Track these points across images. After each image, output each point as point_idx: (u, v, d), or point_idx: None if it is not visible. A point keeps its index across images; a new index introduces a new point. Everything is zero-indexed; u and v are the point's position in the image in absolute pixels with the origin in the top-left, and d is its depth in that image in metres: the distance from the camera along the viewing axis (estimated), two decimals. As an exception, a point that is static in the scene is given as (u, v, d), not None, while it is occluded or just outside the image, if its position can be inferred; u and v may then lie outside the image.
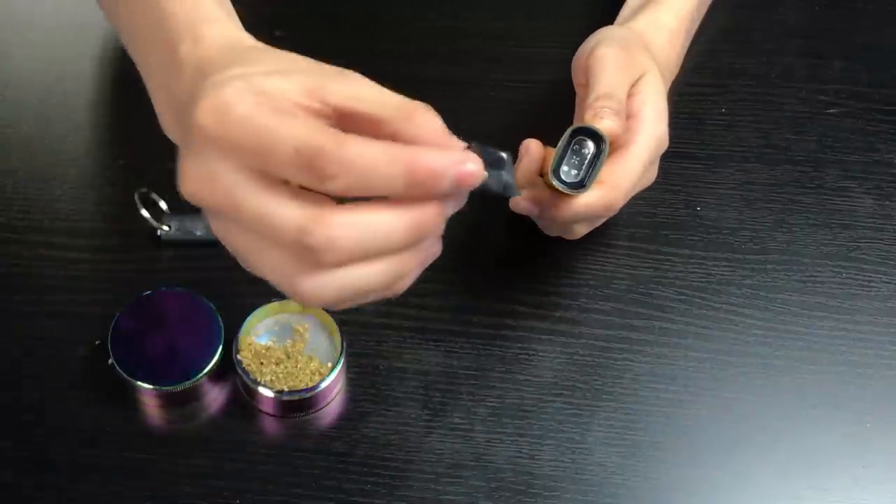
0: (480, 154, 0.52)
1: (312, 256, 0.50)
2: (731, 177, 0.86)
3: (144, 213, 0.79)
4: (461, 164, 0.50)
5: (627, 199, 0.73)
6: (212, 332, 0.75)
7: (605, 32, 0.78)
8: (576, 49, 0.79)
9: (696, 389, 0.77)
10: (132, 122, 0.85)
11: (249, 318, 0.76)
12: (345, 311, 0.78)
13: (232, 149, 0.50)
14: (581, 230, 0.78)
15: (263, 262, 0.52)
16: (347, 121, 0.52)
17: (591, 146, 0.70)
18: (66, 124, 0.87)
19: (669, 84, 0.80)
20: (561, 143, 0.70)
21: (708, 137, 0.88)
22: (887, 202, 0.86)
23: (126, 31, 0.65)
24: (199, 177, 0.51)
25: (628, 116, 0.72)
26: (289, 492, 0.73)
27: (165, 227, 0.80)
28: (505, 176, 0.54)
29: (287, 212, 0.50)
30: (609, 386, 0.77)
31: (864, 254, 0.83)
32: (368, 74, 0.96)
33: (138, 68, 0.64)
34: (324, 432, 0.75)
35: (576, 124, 0.71)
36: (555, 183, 0.70)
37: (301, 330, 0.77)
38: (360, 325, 0.79)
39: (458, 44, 0.93)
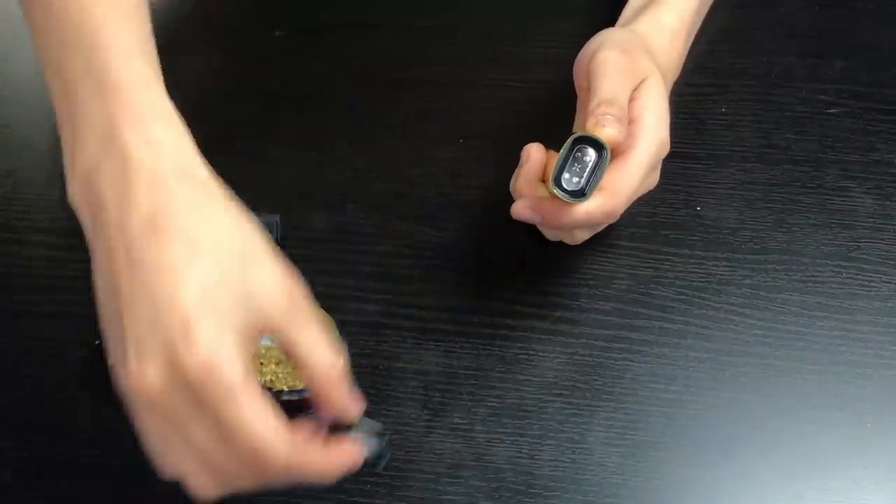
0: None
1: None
2: (731, 177, 0.86)
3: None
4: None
5: (628, 205, 0.73)
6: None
7: (606, 35, 0.78)
8: (575, 49, 0.79)
9: (696, 389, 0.77)
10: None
11: None
12: (345, 312, 0.78)
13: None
14: (582, 236, 0.78)
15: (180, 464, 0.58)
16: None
17: (592, 154, 0.70)
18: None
19: (671, 85, 0.80)
20: (562, 152, 0.70)
21: (708, 137, 0.88)
22: (887, 202, 0.86)
23: (45, 57, 0.63)
24: (150, 390, 0.56)
25: (629, 121, 0.72)
26: (289, 492, 0.73)
27: (165, 227, 0.80)
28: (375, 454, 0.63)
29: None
30: (609, 386, 0.77)
31: (864, 254, 0.83)
32: (368, 75, 0.96)
33: (50, 93, 0.63)
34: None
35: (578, 132, 0.71)
36: (556, 191, 0.70)
37: None
38: (360, 325, 0.79)
39: (456, 44, 0.93)
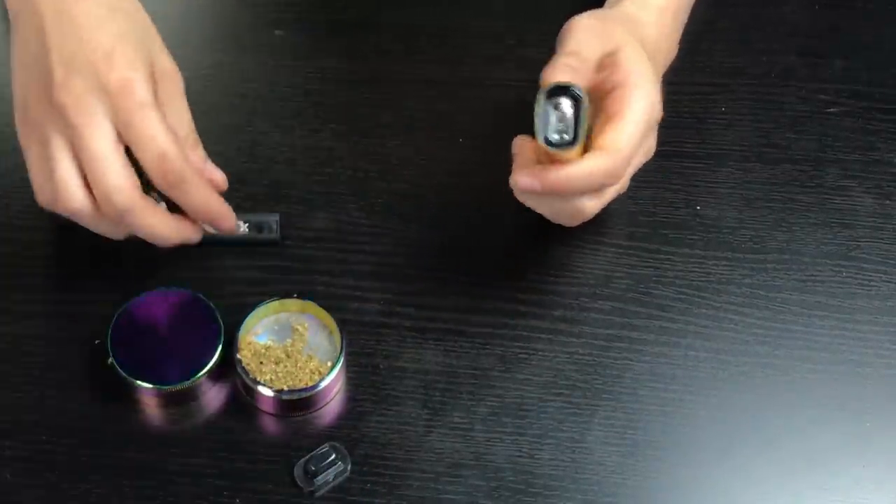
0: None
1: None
2: (731, 176, 0.86)
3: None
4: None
5: (629, 165, 0.72)
6: (211, 332, 0.75)
7: (586, 17, 0.77)
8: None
9: (696, 389, 0.77)
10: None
11: (249, 318, 0.76)
12: (345, 312, 0.78)
13: None
14: (590, 206, 0.75)
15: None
16: None
17: (568, 104, 0.69)
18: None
19: (665, 64, 0.80)
20: (538, 109, 0.69)
21: (708, 137, 0.88)
22: (887, 202, 0.86)
23: None
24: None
25: (614, 87, 0.72)
26: (289, 491, 0.73)
27: (165, 227, 0.80)
28: None
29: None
30: (609, 385, 0.77)
31: (864, 253, 0.83)
32: (369, 75, 0.96)
33: None
34: (324, 432, 0.75)
35: (544, 88, 0.69)
36: (547, 147, 0.69)
37: (301, 329, 0.77)
38: (360, 324, 0.79)
39: (456, 44, 0.93)
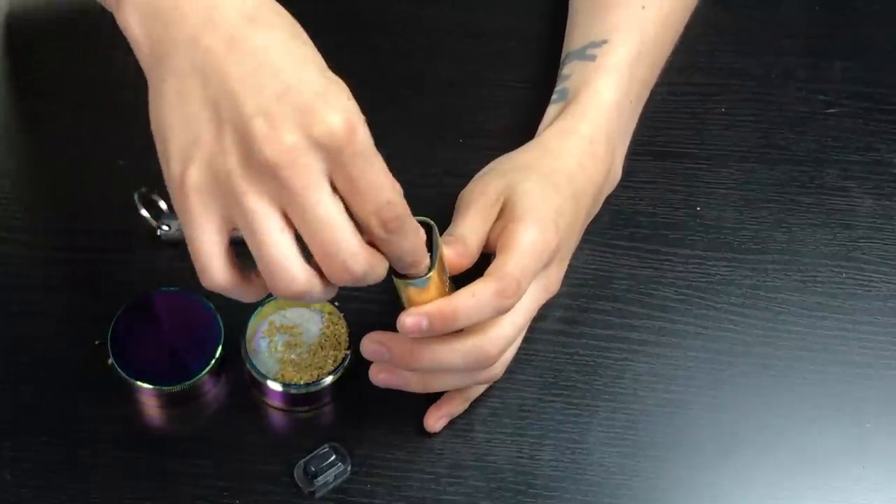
0: None
1: None
2: (731, 177, 0.86)
3: (144, 212, 0.79)
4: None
5: (520, 289, 0.67)
6: (211, 332, 0.75)
7: (487, 167, 0.76)
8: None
9: (696, 389, 0.77)
10: (132, 122, 0.85)
11: (253, 318, 0.76)
12: (345, 312, 0.78)
13: None
14: (474, 390, 0.73)
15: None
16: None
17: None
18: (66, 124, 0.87)
19: (596, 186, 0.77)
20: None
21: (708, 137, 0.88)
22: (887, 202, 0.86)
23: None
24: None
25: (505, 226, 0.70)
26: (289, 491, 0.73)
27: (165, 227, 0.80)
28: None
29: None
30: (609, 386, 0.77)
31: (864, 254, 0.83)
32: (369, 74, 0.96)
33: None
34: (324, 432, 0.75)
35: None
36: (406, 281, 0.65)
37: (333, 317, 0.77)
38: (360, 325, 0.78)
39: (459, 42, 0.93)
